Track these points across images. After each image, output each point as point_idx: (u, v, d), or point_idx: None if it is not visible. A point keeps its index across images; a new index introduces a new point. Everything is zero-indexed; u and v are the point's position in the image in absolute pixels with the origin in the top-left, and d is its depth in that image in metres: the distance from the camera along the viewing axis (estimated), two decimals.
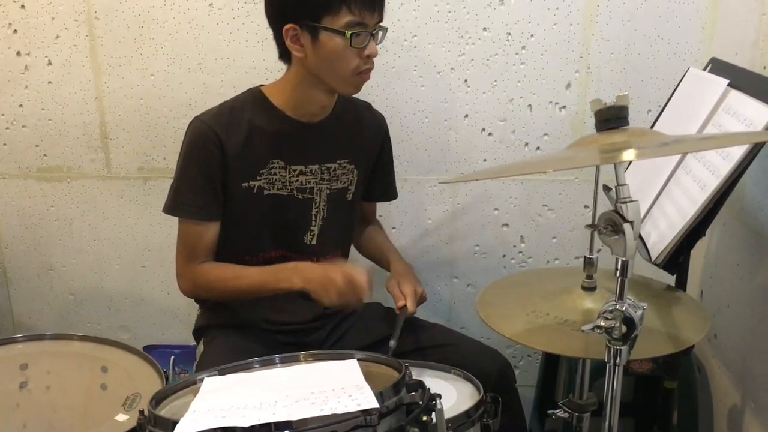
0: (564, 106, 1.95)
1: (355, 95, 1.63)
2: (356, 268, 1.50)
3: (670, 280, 1.45)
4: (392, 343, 1.52)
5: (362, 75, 1.52)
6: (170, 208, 1.60)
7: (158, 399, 1.15)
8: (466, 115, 1.98)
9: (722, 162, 1.29)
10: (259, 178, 1.58)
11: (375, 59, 1.52)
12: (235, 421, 0.99)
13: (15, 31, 1.99)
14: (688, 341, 1.23)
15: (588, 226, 1.12)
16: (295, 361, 1.29)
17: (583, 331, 1.06)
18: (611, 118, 1.06)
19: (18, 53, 2.01)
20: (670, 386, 1.57)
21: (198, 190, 1.56)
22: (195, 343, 1.74)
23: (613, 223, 1.02)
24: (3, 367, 1.48)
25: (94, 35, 1.98)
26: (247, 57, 1.97)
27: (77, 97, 2.04)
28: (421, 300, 1.65)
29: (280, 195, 1.61)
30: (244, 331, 1.64)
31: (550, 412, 1.43)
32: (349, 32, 1.45)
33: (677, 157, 1.47)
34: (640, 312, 1.05)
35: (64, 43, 1.99)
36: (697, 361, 1.79)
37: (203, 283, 1.62)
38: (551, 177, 2.01)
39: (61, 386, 1.45)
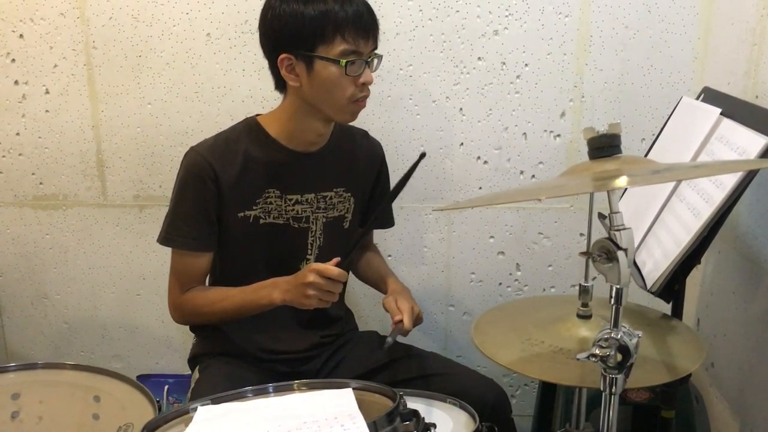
0: (558, 135, 1.96)
1: (352, 123, 1.64)
2: (323, 264, 1.47)
3: (666, 308, 1.45)
4: (389, 339, 1.49)
5: (358, 103, 1.53)
6: (164, 239, 1.60)
7: (149, 429, 1.13)
8: (462, 144, 1.99)
9: (716, 190, 1.29)
10: (254, 207, 1.58)
11: (370, 88, 1.53)
12: None
13: (13, 60, 2.01)
14: (684, 370, 1.22)
15: (582, 253, 1.12)
16: (289, 390, 1.28)
17: (578, 359, 1.05)
18: (604, 146, 1.07)
19: (16, 82, 2.02)
20: (668, 416, 1.56)
21: (192, 221, 1.57)
22: (189, 373, 1.72)
23: (606, 251, 1.02)
24: None
25: (92, 64, 2.00)
26: (243, 86, 1.98)
27: (74, 125, 2.05)
28: (417, 320, 1.60)
29: (277, 224, 1.61)
30: (240, 360, 1.63)
31: None
32: (344, 60, 1.46)
33: (671, 186, 1.48)
34: (635, 340, 1.04)
35: (62, 71, 2.01)
36: (694, 391, 1.78)
37: (191, 309, 1.62)
38: (546, 205, 2.02)
39: (53, 416, 1.43)
